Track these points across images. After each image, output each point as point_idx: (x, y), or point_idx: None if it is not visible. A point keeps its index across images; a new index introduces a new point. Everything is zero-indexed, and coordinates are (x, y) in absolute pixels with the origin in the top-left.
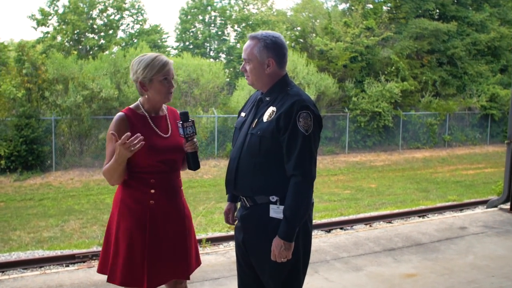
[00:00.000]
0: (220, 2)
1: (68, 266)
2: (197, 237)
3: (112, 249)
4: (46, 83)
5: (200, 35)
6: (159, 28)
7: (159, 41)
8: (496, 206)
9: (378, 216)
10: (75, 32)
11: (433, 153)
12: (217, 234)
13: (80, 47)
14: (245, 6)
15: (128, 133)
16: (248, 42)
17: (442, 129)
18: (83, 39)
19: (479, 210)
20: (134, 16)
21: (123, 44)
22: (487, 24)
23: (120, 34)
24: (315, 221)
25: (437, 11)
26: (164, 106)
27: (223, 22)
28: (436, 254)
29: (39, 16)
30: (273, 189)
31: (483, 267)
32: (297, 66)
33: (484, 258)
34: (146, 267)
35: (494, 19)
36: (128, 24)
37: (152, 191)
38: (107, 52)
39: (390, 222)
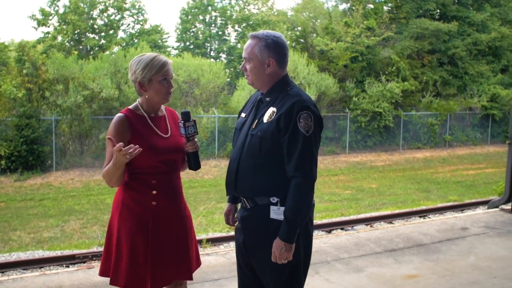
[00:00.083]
0: (221, 2)
1: (68, 266)
2: (198, 238)
3: (114, 252)
4: (46, 83)
5: (200, 35)
6: (159, 28)
7: (159, 41)
8: (497, 207)
9: (379, 217)
10: (76, 32)
11: (434, 153)
12: (218, 235)
13: (81, 47)
14: (245, 6)
15: (121, 143)
16: (249, 41)
17: (443, 129)
18: (84, 39)
19: (480, 210)
20: (135, 16)
21: (124, 44)
22: (488, 24)
23: (121, 34)
24: (316, 221)
25: (438, 11)
26: (163, 107)
27: (223, 22)
28: (437, 255)
29: (39, 16)
30: (273, 190)
31: (484, 268)
32: (298, 66)
33: (486, 259)
34: (149, 269)
35: (495, 19)
36: (129, 24)
37: (154, 192)
38: (107, 52)
39: (391, 223)
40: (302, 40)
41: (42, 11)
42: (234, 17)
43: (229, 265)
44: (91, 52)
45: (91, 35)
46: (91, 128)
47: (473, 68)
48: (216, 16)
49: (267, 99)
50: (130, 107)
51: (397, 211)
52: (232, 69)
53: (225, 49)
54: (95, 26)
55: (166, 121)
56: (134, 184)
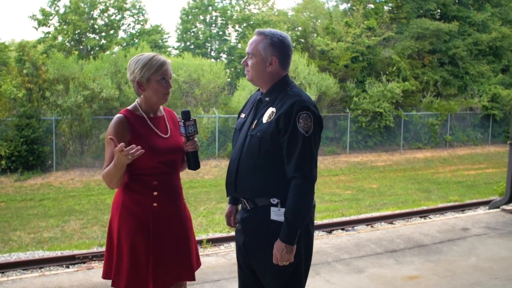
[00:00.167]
0: (221, 2)
1: (68, 267)
2: (198, 238)
3: (115, 254)
4: (46, 83)
5: (201, 35)
6: (160, 28)
7: (160, 41)
8: (498, 207)
9: (380, 217)
10: (76, 32)
11: (435, 153)
12: (218, 235)
13: (81, 47)
14: (246, 6)
15: (123, 144)
16: (254, 37)
17: (444, 129)
18: (84, 39)
19: (481, 211)
20: (135, 16)
21: (124, 44)
22: (488, 24)
23: (121, 34)
24: (316, 221)
25: (439, 11)
26: (161, 107)
27: (224, 22)
28: (438, 256)
29: (40, 16)
30: (274, 191)
31: (486, 269)
32: (298, 66)
33: (487, 260)
34: (151, 271)
35: (496, 19)
36: (129, 24)
37: (155, 193)
38: (108, 52)
39: (391, 223)
40: (302, 40)
41: (43, 11)
42: (234, 17)
43: (230, 266)
44: (92, 52)
45: (92, 35)
46: (92, 128)
47: (473, 68)
48: (216, 16)
49: (267, 99)
50: (129, 107)
51: (397, 211)
52: (232, 69)
53: (225, 49)
54: (96, 26)
55: (165, 121)
56: (135, 185)
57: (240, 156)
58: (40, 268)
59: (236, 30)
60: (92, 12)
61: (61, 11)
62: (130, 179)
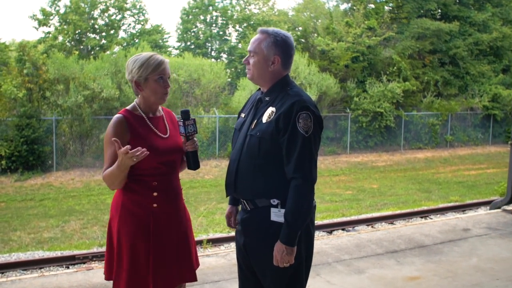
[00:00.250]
0: (222, 2)
1: (68, 267)
2: (198, 238)
3: (115, 255)
4: (47, 83)
5: (201, 35)
6: (160, 28)
7: (160, 41)
8: (499, 208)
9: (380, 217)
10: (77, 32)
11: (435, 154)
12: (218, 235)
13: (82, 47)
14: (246, 6)
15: (128, 146)
16: (257, 36)
17: (444, 130)
18: (85, 39)
19: (482, 211)
20: (136, 16)
21: (125, 44)
22: (489, 24)
23: (122, 34)
24: (317, 222)
25: (439, 11)
26: (160, 107)
27: (224, 22)
28: (439, 257)
29: (40, 16)
30: (274, 192)
31: (487, 270)
32: (299, 66)
33: (488, 261)
34: (151, 272)
35: (497, 19)
36: (130, 24)
37: (155, 194)
38: (108, 52)
39: (392, 223)
40: (303, 40)
41: (43, 11)
42: (235, 17)
43: (230, 267)
44: (92, 52)
45: (92, 35)
46: (92, 128)
47: (474, 68)
48: (217, 16)
49: (267, 98)
50: (127, 107)
51: (398, 211)
52: (233, 69)
53: (226, 49)
54: (96, 26)
55: (164, 121)
56: (135, 186)
57: (240, 156)
58: (40, 268)
59: (237, 30)
60: (92, 12)
61: (62, 11)
62: (129, 180)
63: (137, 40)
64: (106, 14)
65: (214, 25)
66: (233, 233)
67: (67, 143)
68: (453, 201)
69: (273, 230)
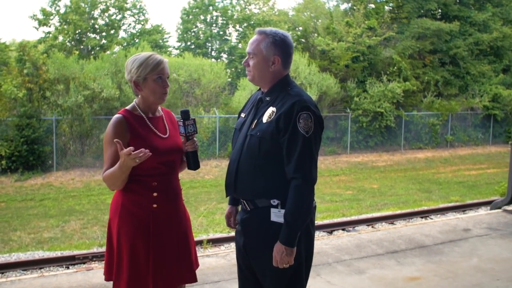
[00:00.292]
0: (222, 2)
1: (68, 267)
2: (198, 238)
3: (115, 255)
4: (47, 83)
5: (201, 35)
6: (160, 28)
7: (160, 41)
8: (500, 208)
9: (381, 217)
10: (77, 32)
11: (435, 154)
12: (218, 235)
13: (82, 47)
14: (246, 6)
15: (131, 147)
16: (255, 36)
17: (445, 129)
18: (85, 39)
19: (483, 211)
20: (136, 16)
21: (125, 44)
22: (489, 24)
23: (122, 34)
24: (317, 222)
25: (440, 11)
26: (159, 107)
27: (224, 22)
28: (439, 257)
29: (40, 16)
30: (274, 192)
31: (487, 270)
32: (299, 66)
33: (489, 261)
34: (151, 272)
35: (497, 19)
36: (130, 24)
37: (155, 194)
38: (108, 52)
39: (392, 223)
40: (303, 40)
41: (43, 11)
42: (235, 17)
43: (230, 267)
44: (92, 52)
45: (92, 35)
46: (92, 128)
47: (474, 68)
48: (217, 16)
49: (267, 98)
50: (127, 107)
51: (398, 211)
52: (233, 69)
53: (226, 49)
54: (96, 26)
55: (164, 121)
56: (134, 186)
57: (240, 156)
58: (40, 268)
59: (237, 30)
60: (92, 12)
61: (62, 11)
62: (129, 180)
63: (137, 40)
64: (106, 14)
65: (214, 25)
66: (233, 234)
67: (67, 143)
68: (454, 201)
69: (273, 230)
